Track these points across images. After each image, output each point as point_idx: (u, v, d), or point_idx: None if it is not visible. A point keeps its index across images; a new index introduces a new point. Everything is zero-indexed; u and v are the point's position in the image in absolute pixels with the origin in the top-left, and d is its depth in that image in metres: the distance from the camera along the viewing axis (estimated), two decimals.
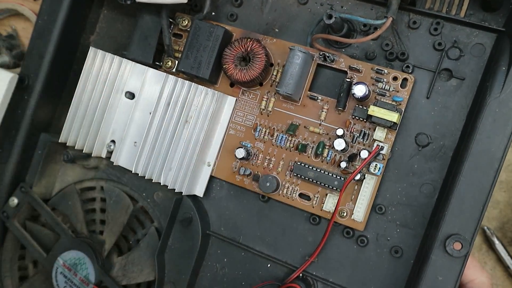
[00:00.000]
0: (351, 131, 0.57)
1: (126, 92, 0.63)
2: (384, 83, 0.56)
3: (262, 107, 0.60)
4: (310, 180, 0.57)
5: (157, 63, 0.64)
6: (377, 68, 0.56)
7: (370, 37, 0.54)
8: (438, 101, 0.56)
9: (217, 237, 0.62)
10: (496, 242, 0.68)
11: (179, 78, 0.60)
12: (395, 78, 0.56)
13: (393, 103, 0.55)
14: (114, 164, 0.62)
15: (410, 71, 0.56)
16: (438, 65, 0.56)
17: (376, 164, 0.55)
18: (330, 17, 0.55)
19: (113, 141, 0.63)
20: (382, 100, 0.55)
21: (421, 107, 0.56)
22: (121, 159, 0.62)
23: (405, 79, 0.56)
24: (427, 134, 0.56)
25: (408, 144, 0.56)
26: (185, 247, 0.61)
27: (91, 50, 0.63)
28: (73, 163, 0.65)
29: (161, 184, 0.60)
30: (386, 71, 0.56)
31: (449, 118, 0.56)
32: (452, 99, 0.56)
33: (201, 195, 0.62)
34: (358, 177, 0.55)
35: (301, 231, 0.59)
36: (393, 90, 0.56)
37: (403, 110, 0.55)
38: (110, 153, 0.63)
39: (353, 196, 0.57)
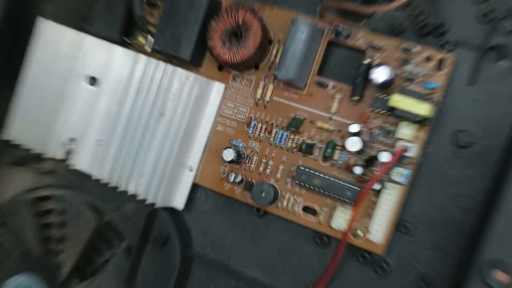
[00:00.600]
0: (369, 127, 0.57)
1: (87, 77, 0.63)
2: (414, 65, 0.56)
3: (258, 96, 0.60)
4: (317, 189, 0.57)
5: (126, 39, 0.64)
6: (405, 46, 0.56)
7: (396, 4, 0.54)
8: (485, 89, 0.56)
9: (201, 260, 0.62)
10: None
11: (154, 59, 0.61)
12: (428, 59, 0.55)
13: (425, 91, 0.55)
14: (74, 167, 0.63)
15: (448, 49, 0.56)
16: (485, 42, 0.56)
17: (400, 170, 0.55)
18: None
19: (72, 139, 0.64)
20: (410, 87, 0.55)
21: (462, 97, 0.56)
22: (83, 161, 0.63)
23: (441, 60, 0.55)
24: (469, 131, 0.56)
25: (443, 144, 0.56)
26: (161, 272, 0.62)
27: (42, 23, 0.63)
28: (23, 166, 0.67)
29: (131, 193, 0.61)
30: (417, 49, 0.56)
31: (498, 111, 0.55)
32: (503, 87, 0.55)
33: (181, 208, 0.62)
34: (377, 186, 0.56)
35: (305, 253, 0.60)
36: (425, 74, 0.55)
37: (438, 100, 0.55)
38: (69, 153, 0.64)
39: (370, 211, 0.57)
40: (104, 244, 0.67)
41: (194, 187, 0.63)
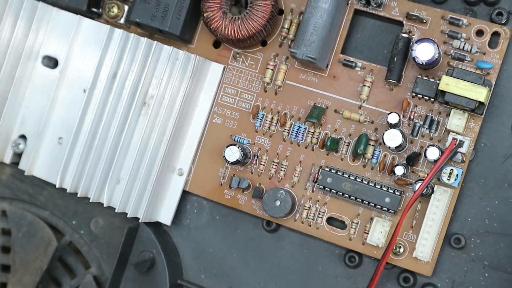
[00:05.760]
0: (410, 116, 0.56)
1: (45, 57, 0.61)
2: (462, 40, 0.55)
3: (267, 80, 0.59)
4: (346, 196, 0.56)
5: (95, 9, 0.62)
6: (451, 17, 0.55)
7: None
8: None
9: None
10: None
11: (132, 34, 0.59)
12: (480, 33, 0.55)
13: (478, 71, 0.54)
14: (25, 174, 0.61)
15: (503, 21, 0.55)
16: None
17: (451, 170, 0.54)
18: None
19: (23, 137, 0.62)
20: (460, 67, 0.54)
21: None
22: (37, 166, 0.61)
23: (496, 34, 0.55)
24: None
25: (502, 137, 0.55)
26: None
27: None
28: None
29: (104, 205, 0.59)
30: (465, 21, 0.55)
31: None
32: None
33: (169, 223, 0.60)
34: (424, 190, 0.53)
35: (330, 277, 0.58)
36: (477, 52, 0.55)
37: (494, 82, 0.54)
38: (18, 156, 0.62)
39: (414, 221, 0.55)
40: (64, 274, 0.64)
41: (185, 196, 0.61)
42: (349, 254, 0.57)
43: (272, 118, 0.59)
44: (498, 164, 0.55)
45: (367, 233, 0.56)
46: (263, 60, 0.59)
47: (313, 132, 0.58)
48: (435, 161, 0.53)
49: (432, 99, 0.55)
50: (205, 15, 0.57)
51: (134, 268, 0.59)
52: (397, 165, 0.55)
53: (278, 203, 0.57)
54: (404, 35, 0.55)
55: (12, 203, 0.65)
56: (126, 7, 0.61)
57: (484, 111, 0.54)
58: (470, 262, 0.55)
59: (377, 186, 0.55)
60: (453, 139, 0.54)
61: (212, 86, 0.60)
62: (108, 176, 0.59)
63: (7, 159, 0.62)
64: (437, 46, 0.54)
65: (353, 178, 0.56)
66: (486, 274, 0.55)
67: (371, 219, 0.56)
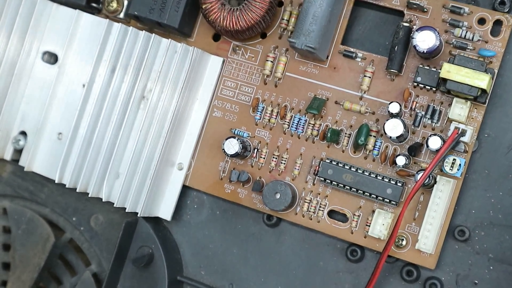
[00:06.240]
0: (412, 107, 0.55)
1: (44, 53, 0.61)
2: (464, 28, 0.54)
3: (267, 72, 0.58)
4: (347, 188, 0.55)
5: (94, 4, 0.62)
6: (452, 5, 0.55)
7: None
8: None
9: (194, 286, 0.60)
10: None
11: (131, 28, 0.58)
12: (481, 21, 0.54)
13: (480, 59, 0.53)
14: (25, 169, 0.61)
15: (506, 9, 0.54)
16: None
17: (454, 160, 0.53)
18: None
19: (23, 133, 0.62)
20: (462, 55, 0.54)
21: None
22: (37, 162, 0.61)
23: (498, 22, 0.54)
24: None
25: (506, 127, 0.54)
26: None
27: None
28: None
29: (103, 200, 0.58)
30: (467, 9, 0.54)
31: None
32: None
33: (168, 218, 0.60)
34: (426, 180, 0.53)
35: (332, 272, 0.57)
36: (479, 40, 0.54)
37: (496, 71, 0.54)
38: (18, 152, 0.62)
39: (417, 213, 0.55)
40: (64, 270, 0.64)
41: (185, 190, 0.61)
42: (351, 248, 0.57)
43: (272, 111, 0.58)
44: (502, 155, 0.54)
45: (369, 226, 0.55)
46: (262, 52, 0.59)
47: (314, 124, 0.57)
48: (437, 151, 0.52)
49: (434, 89, 0.55)
50: (203, 6, 0.57)
51: (132, 263, 0.59)
52: (399, 155, 0.54)
53: (278, 195, 0.56)
54: (405, 24, 0.55)
55: (13, 201, 0.65)
56: (126, 2, 0.61)
57: (487, 100, 0.53)
58: (475, 255, 0.54)
59: (378, 178, 0.54)
60: (456, 128, 0.53)
61: (211, 80, 0.60)
62: (107, 171, 0.58)
63: (8, 156, 0.62)
64: (438, 34, 0.53)
65: (354, 170, 0.55)
66: (491, 267, 0.54)
67: (373, 211, 0.55)
